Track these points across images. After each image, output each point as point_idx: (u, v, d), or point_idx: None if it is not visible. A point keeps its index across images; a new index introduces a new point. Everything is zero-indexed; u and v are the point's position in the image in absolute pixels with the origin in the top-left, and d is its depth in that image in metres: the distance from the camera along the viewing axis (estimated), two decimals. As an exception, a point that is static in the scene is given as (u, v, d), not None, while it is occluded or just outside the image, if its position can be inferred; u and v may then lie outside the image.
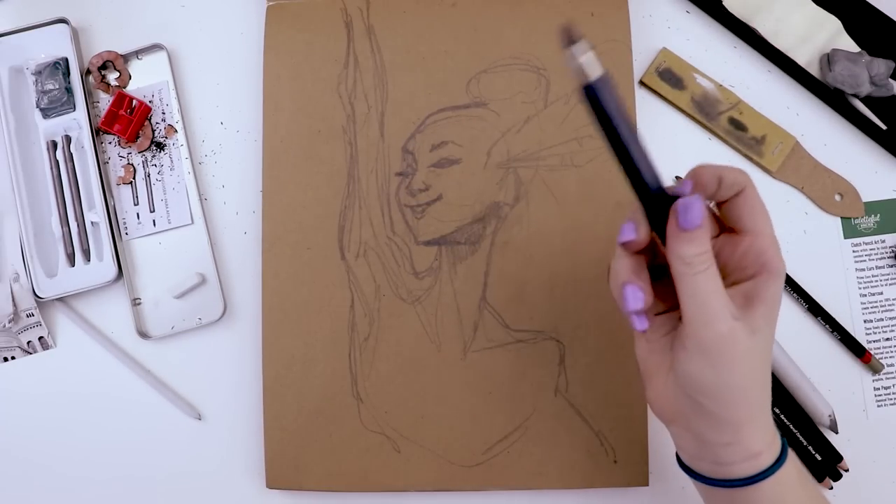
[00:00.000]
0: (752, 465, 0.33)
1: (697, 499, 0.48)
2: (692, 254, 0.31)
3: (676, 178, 0.50)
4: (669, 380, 0.34)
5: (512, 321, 0.47)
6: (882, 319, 0.49)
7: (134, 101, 0.51)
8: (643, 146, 0.30)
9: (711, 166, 0.32)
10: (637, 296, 0.33)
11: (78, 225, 0.50)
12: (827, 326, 0.49)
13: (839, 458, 0.47)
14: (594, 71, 0.28)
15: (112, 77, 0.52)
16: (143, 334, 0.50)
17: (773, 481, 0.33)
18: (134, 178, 0.51)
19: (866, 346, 0.49)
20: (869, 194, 0.50)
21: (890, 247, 0.50)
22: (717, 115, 0.50)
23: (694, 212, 0.30)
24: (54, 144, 0.51)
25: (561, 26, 0.28)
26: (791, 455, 0.34)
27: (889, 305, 0.49)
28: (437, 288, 0.48)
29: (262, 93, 0.50)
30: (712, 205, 0.35)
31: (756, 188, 0.33)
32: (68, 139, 0.51)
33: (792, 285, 0.49)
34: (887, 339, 0.49)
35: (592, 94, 0.29)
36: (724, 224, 0.35)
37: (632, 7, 0.49)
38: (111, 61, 0.52)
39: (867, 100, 0.50)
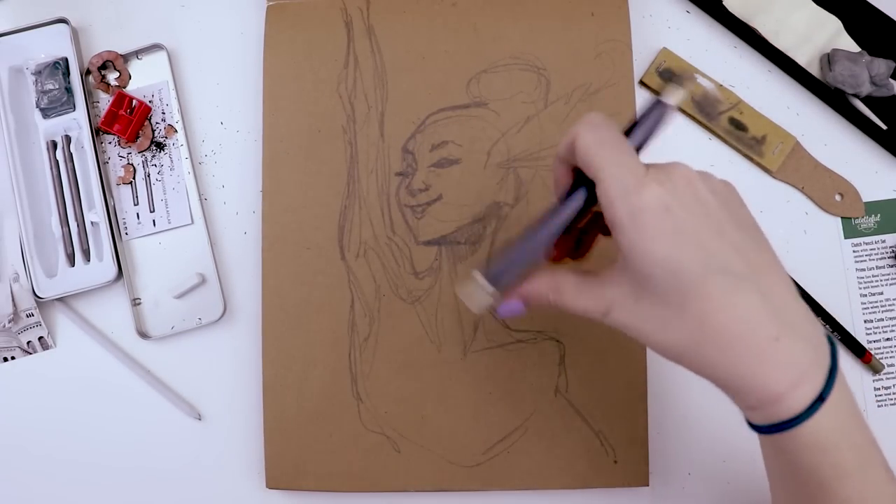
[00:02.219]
0: (768, 415, 0.29)
1: (697, 499, 0.48)
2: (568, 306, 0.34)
3: None
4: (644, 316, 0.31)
5: (512, 321, 0.47)
6: (882, 319, 0.49)
7: (134, 101, 0.51)
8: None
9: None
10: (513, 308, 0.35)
11: (78, 225, 0.50)
12: (827, 326, 0.48)
13: (839, 458, 0.47)
14: (673, 99, 0.32)
15: (112, 77, 0.52)
16: (143, 334, 0.50)
17: (799, 432, 0.28)
18: (134, 178, 0.51)
19: (866, 346, 0.49)
20: (869, 194, 0.50)
21: (890, 247, 0.50)
22: (718, 115, 0.50)
23: (504, 310, 0.35)
24: (54, 144, 0.51)
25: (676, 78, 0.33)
26: (839, 390, 0.29)
27: (889, 305, 0.49)
28: (437, 288, 0.48)
29: (262, 93, 0.50)
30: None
31: (588, 131, 0.30)
32: (68, 139, 0.51)
33: (792, 285, 0.49)
34: (888, 339, 0.49)
35: (653, 111, 0.33)
36: None
37: (632, 7, 0.49)
38: (111, 61, 0.52)
39: (867, 100, 0.50)
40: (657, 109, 0.32)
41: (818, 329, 0.30)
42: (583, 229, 0.36)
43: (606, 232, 0.34)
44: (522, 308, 0.35)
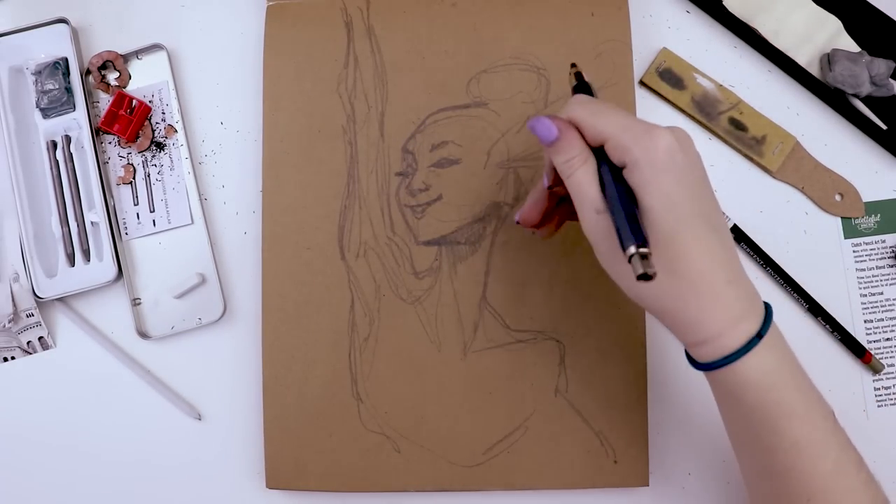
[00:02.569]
0: (714, 348, 0.33)
1: (697, 499, 0.48)
2: (561, 161, 0.34)
3: None
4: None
5: (512, 321, 0.47)
6: (882, 319, 0.49)
7: (134, 101, 0.51)
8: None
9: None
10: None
11: (78, 225, 0.50)
12: (827, 326, 0.48)
13: (839, 458, 0.47)
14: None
15: (112, 77, 0.52)
16: (143, 334, 0.50)
17: (742, 367, 0.33)
18: (134, 178, 0.51)
19: (866, 346, 0.49)
20: (869, 194, 0.50)
21: (890, 247, 0.50)
22: (718, 115, 0.50)
23: (541, 128, 0.35)
24: (54, 144, 0.51)
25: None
26: (774, 338, 0.34)
27: (889, 305, 0.49)
28: (437, 288, 0.48)
29: (262, 93, 0.50)
30: None
31: (580, 109, 0.35)
32: (68, 139, 0.51)
33: (792, 285, 0.49)
34: (888, 339, 0.49)
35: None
36: None
37: (632, 7, 0.49)
38: (111, 61, 0.52)
39: (867, 100, 0.50)
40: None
41: (752, 284, 0.35)
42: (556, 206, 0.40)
43: (573, 216, 0.39)
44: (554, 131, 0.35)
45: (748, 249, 0.49)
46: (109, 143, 0.51)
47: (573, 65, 0.40)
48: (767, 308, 0.35)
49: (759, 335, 0.33)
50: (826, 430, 0.35)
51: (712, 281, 0.32)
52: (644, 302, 0.34)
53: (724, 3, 0.51)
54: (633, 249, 0.31)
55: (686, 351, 0.36)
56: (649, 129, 0.33)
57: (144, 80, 0.52)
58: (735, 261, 0.34)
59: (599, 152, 0.34)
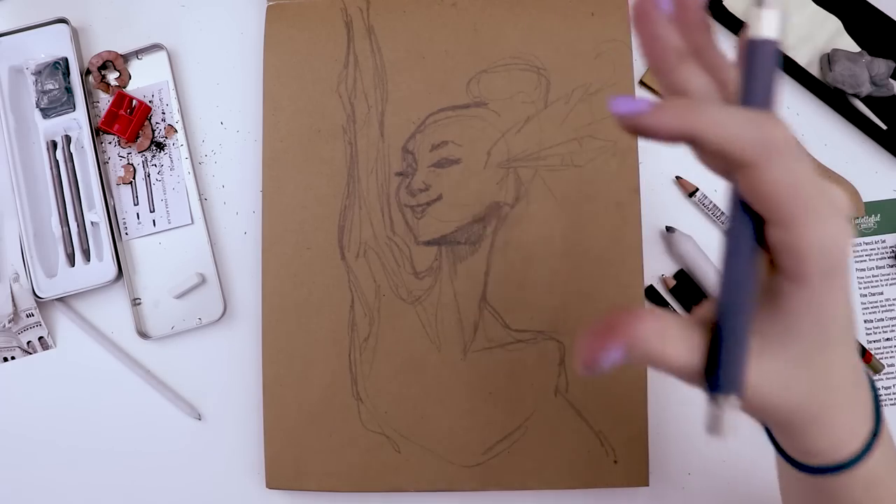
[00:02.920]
0: (844, 452, 0.28)
1: (697, 499, 0.48)
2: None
3: (677, 178, 0.50)
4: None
5: (512, 321, 0.47)
6: (882, 319, 0.49)
7: (134, 101, 0.51)
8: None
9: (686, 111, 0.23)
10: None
11: (78, 225, 0.50)
12: (827, 326, 0.48)
13: (839, 458, 0.47)
14: (772, 31, 0.25)
15: (112, 77, 0.52)
16: (143, 334, 0.50)
17: (866, 464, 0.28)
18: (134, 178, 0.51)
19: (867, 346, 0.49)
20: (869, 194, 0.50)
21: (890, 247, 0.50)
22: (718, 115, 0.50)
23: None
24: (54, 144, 0.51)
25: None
26: (885, 435, 0.29)
27: (889, 305, 0.49)
28: (437, 288, 0.48)
29: (262, 93, 0.50)
30: None
31: (779, 169, 0.22)
32: (68, 139, 0.51)
33: (792, 285, 0.49)
34: (888, 339, 0.49)
35: (760, 58, 0.24)
36: None
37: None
38: (111, 61, 0.52)
39: (867, 100, 0.50)
40: (761, 51, 0.24)
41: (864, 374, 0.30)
42: None
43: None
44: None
45: (748, 249, 0.49)
46: (109, 143, 0.51)
47: None
48: (875, 396, 0.29)
49: (875, 433, 0.28)
50: None
51: (851, 389, 0.27)
52: (789, 415, 0.27)
53: (723, 3, 0.51)
54: (720, 401, 0.25)
55: (782, 450, 0.31)
56: (838, 241, 0.23)
57: (144, 80, 0.52)
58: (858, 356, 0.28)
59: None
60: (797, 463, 0.30)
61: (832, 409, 0.27)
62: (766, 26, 0.25)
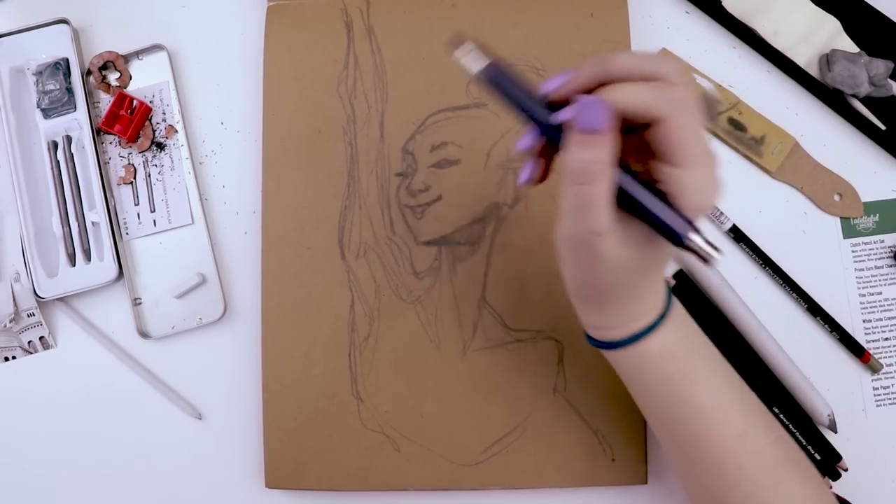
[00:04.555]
0: (622, 331, 0.35)
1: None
2: (585, 159, 0.29)
3: None
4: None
5: (511, 321, 0.48)
6: (881, 319, 0.49)
7: (134, 102, 0.51)
8: (537, 97, 0.32)
9: (600, 65, 0.30)
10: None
11: (78, 225, 0.50)
12: (826, 326, 0.49)
13: (838, 457, 0.47)
14: (476, 64, 0.32)
15: (112, 77, 0.52)
16: (144, 334, 0.50)
17: (654, 340, 0.35)
18: (134, 178, 0.51)
19: (865, 345, 0.49)
20: (868, 194, 0.50)
21: (889, 247, 0.50)
22: (717, 115, 0.50)
23: (590, 113, 0.28)
24: (55, 144, 0.51)
25: (449, 37, 0.33)
26: (676, 314, 0.36)
27: (888, 305, 0.49)
28: (437, 288, 0.48)
29: (262, 93, 0.50)
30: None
31: (685, 118, 0.29)
32: (69, 139, 0.51)
33: (791, 285, 0.49)
34: (886, 339, 0.49)
35: (487, 81, 0.32)
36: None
37: (632, 7, 0.49)
38: (112, 61, 0.52)
39: (866, 100, 0.50)
40: (488, 78, 0.33)
41: None
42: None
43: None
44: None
45: (747, 249, 0.49)
46: (110, 143, 0.52)
47: None
48: (668, 291, 0.36)
49: (663, 315, 0.35)
50: (731, 396, 0.36)
51: (628, 290, 0.34)
52: (589, 287, 0.34)
53: (723, 3, 0.51)
54: (696, 237, 0.30)
55: (586, 333, 0.38)
56: (710, 199, 0.31)
57: (145, 80, 0.52)
58: None
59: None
60: (600, 342, 0.37)
61: (613, 303, 0.34)
62: (471, 62, 0.33)
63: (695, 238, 0.29)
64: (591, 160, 0.29)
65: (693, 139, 0.29)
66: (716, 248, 0.29)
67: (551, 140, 0.31)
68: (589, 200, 0.29)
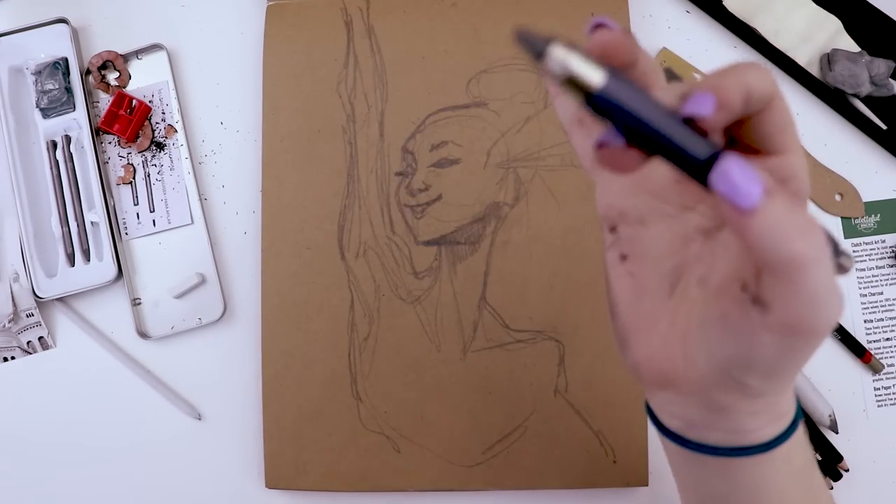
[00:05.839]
0: (775, 428, 0.27)
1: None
2: (799, 250, 0.20)
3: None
4: (678, 339, 0.25)
5: (512, 321, 0.47)
6: (882, 319, 0.49)
7: (134, 101, 0.51)
8: (676, 118, 0.21)
9: (735, 76, 0.22)
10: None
11: (78, 225, 0.50)
12: (827, 326, 0.48)
13: (839, 458, 0.47)
14: (595, 75, 0.20)
15: (112, 77, 0.52)
16: (143, 334, 0.50)
17: (788, 443, 0.27)
18: (134, 178, 0.51)
19: (866, 346, 0.49)
20: (869, 194, 0.50)
21: (890, 247, 0.50)
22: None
23: (745, 186, 0.20)
24: (54, 144, 0.51)
25: (515, 32, 0.21)
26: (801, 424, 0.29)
27: (889, 305, 0.49)
28: (437, 288, 0.48)
29: (262, 93, 0.50)
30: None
31: (784, 96, 0.24)
32: (68, 139, 0.51)
33: (792, 285, 0.49)
34: (887, 339, 0.49)
35: (605, 103, 0.21)
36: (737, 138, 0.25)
37: (632, 7, 0.49)
38: (111, 61, 0.52)
39: (867, 100, 0.50)
40: (613, 96, 0.21)
41: None
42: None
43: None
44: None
45: (748, 249, 0.49)
46: (109, 143, 0.51)
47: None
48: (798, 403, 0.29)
49: (794, 424, 0.27)
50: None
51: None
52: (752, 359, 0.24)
53: (724, 3, 0.51)
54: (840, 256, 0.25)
55: (676, 435, 0.29)
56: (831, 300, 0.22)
57: (144, 80, 0.52)
58: None
59: None
60: (717, 450, 0.28)
61: (788, 385, 0.26)
62: (585, 71, 0.20)
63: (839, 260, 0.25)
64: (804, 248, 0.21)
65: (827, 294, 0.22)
66: (848, 255, 0.26)
67: (678, 164, 0.22)
68: (821, 283, 0.21)
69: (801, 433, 0.28)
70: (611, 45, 0.23)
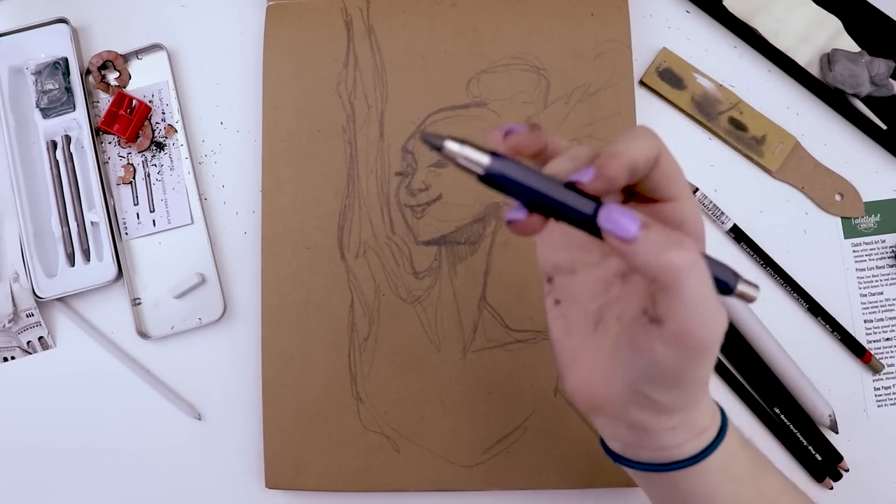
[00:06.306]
0: (698, 443, 0.30)
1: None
2: (673, 258, 0.24)
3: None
4: (601, 367, 0.29)
5: (511, 321, 0.47)
6: (882, 319, 0.49)
7: (134, 101, 0.51)
8: (559, 184, 0.27)
9: (617, 156, 0.26)
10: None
11: (78, 225, 0.50)
12: (827, 326, 0.48)
13: (839, 458, 0.47)
14: (482, 158, 0.26)
15: (112, 77, 0.52)
16: (143, 334, 0.50)
17: (718, 453, 0.30)
18: (134, 178, 0.51)
19: (866, 346, 0.49)
20: (869, 194, 0.50)
21: (890, 247, 0.50)
22: (717, 114, 0.50)
23: (624, 223, 0.25)
24: (54, 144, 0.51)
25: (420, 137, 0.26)
26: (730, 422, 0.32)
27: (889, 305, 0.49)
28: (437, 288, 0.48)
29: (262, 93, 0.50)
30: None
31: (668, 150, 0.28)
32: (68, 139, 0.51)
33: (792, 285, 0.49)
34: (887, 339, 0.49)
35: (494, 180, 0.26)
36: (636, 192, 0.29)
37: (632, 7, 0.49)
38: (111, 61, 0.52)
39: (867, 100, 0.50)
40: (499, 172, 0.26)
41: None
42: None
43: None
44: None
45: (748, 249, 0.49)
46: (109, 142, 0.52)
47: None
48: (722, 409, 0.33)
49: (723, 428, 0.31)
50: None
51: (707, 380, 0.30)
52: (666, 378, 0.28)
53: (724, 3, 0.51)
54: (743, 284, 0.28)
55: (619, 456, 0.32)
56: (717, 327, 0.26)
57: (144, 79, 0.52)
58: None
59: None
60: (653, 466, 0.31)
61: (695, 400, 0.30)
62: (473, 155, 0.26)
63: (736, 289, 0.28)
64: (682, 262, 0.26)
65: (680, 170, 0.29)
66: (750, 293, 0.28)
67: (572, 221, 0.27)
68: (701, 292, 0.25)
69: (735, 444, 0.32)
70: (520, 144, 0.28)
